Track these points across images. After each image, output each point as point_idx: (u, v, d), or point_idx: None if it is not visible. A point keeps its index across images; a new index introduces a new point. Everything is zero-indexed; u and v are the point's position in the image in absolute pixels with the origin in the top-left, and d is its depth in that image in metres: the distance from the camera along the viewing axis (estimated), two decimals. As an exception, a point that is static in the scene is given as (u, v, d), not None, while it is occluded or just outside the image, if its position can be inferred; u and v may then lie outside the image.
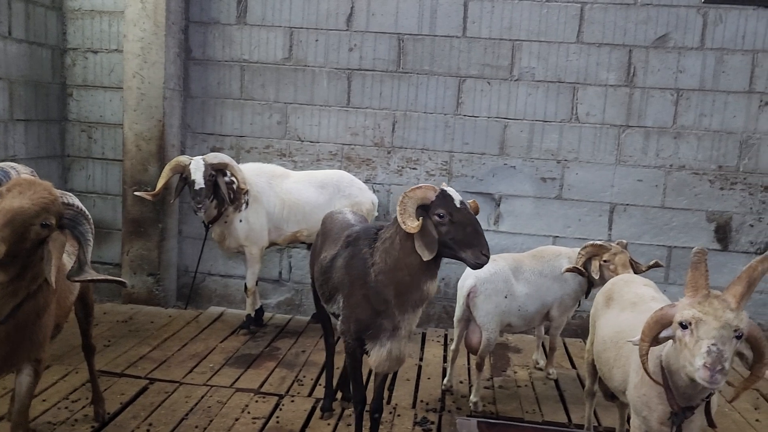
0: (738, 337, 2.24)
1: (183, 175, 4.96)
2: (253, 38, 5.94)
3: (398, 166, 5.91)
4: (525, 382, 4.77)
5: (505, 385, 4.68)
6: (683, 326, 2.30)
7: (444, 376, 4.64)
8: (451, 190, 3.01)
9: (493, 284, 4.20)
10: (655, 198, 5.68)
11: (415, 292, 3.05)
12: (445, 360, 5.03)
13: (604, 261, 4.32)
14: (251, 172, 5.25)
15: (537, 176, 5.79)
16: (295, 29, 5.87)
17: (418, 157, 5.88)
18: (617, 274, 4.03)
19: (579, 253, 4.44)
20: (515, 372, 4.95)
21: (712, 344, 2.17)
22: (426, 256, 2.91)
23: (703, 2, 5.43)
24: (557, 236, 5.81)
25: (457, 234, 2.91)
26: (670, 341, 2.46)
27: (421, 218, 2.89)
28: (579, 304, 4.77)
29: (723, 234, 5.63)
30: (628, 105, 5.63)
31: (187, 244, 6.18)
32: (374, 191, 5.75)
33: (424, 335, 5.70)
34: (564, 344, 5.58)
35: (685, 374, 2.33)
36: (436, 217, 2.93)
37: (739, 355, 2.36)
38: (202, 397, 4.11)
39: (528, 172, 5.80)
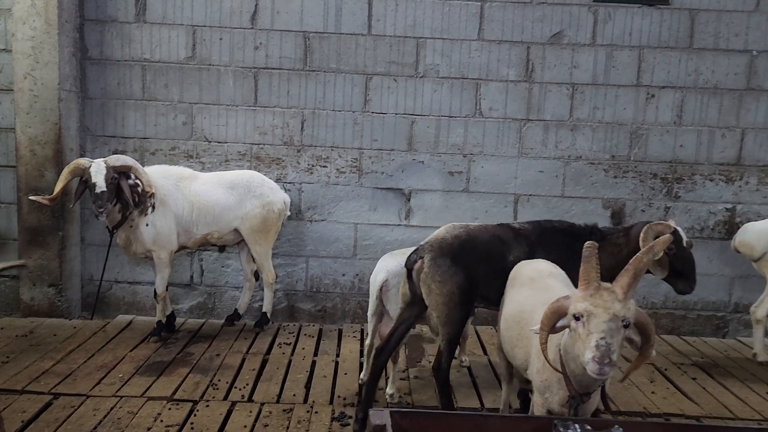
0: (626, 326, 2.40)
1: (83, 178, 4.75)
2: (154, 37, 5.76)
3: (308, 165, 5.91)
4: (440, 370, 4.89)
5: (421, 375, 4.80)
6: (576, 318, 2.44)
7: (361, 370, 4.69)
8: (681, 231, 4.07)
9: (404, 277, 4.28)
10: (555, 188, 5.98)
11: None
12: (361, 355, 5.09)
13: None
14: (157, 175, 5.09)
15: (445, 170, 5.95)
16: (198, 27, 5.74)
17: (328, 155, 5.90)
18: None
19: None
20: (430, 362, 5.07)
21: (601, 338, 2.30)
22: (661, 275, 4.02)
23: (594, 1, 5.75)
24: (467, 228, 5.98)
25: (680, 266, 4.05)
26: (567, 329, 2.60)
27: (649, 241, 3.71)
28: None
29: (618, 219, 5.99)
30: (528, 99, 5.88)
31: (90, 252, 5.93)
32: (285, 190, 5.72)
33: (340, 331, 5.74)
34: (476, 332, 5.77)
35: (580, 363, 2.48)
36: (667, 250, 3.87)
37: (629, 340, 2.52)
38: (112, 409, 3.96)
39: (436, 167, 5.95)
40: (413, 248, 4.68)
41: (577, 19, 5.79)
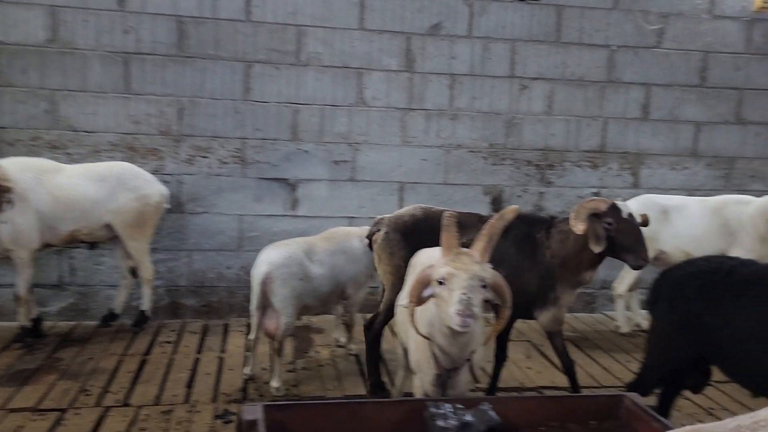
0: (484, 287, 2.56)
1: (-75, 174, 4.28)
2: (8, 17, 5.26)
3: (188, 155, 5.67)
4: (327, 360, 4.91)
5: (308, 366, 4.78)
6: (440, 283, 2.57)
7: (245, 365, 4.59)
8: (621, 204, 3.75)
9: (288, 268, 4.24)
10: (438, 175, 6.13)
11: (577, 277, 3.86)
12: (247, 349, 4.98)
13: None
14: (15, 168, 4.68)
15: (330, 159, 5.93)
16: (58, 8, 5.31)
17: (209, 145, 5.70)
18: None
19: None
20: (318, 352, 5.07)
21: (463, 293, 2.46)
22: (597, 250, 3.64)
23: (470, -6, 5.93)
24: (353, 217, 6.01)
25: (623, 240, 3.66)
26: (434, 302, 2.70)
27: (586, 223, 3.64)
28: (373, 280, 5.00)
29: (497, 205, 6.25)
30: (409, 89, 5.97)
31: (-59, 254, 5.36)
32: (164, 182, 5.46)
33: (226, 326, 5.60)
34: (364, 319, 5.82)
35: (446, 326, 2.59)
36: (606, 225, 3.65)
37: (489, 302, 2.67)
38: (-35, 426, 3.63)
39: (321, 156, 5.91)
40: (297, 239, 4.67)
41: (455, 11, 5.94)
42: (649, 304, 3.56)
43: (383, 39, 5.87)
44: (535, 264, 3.92)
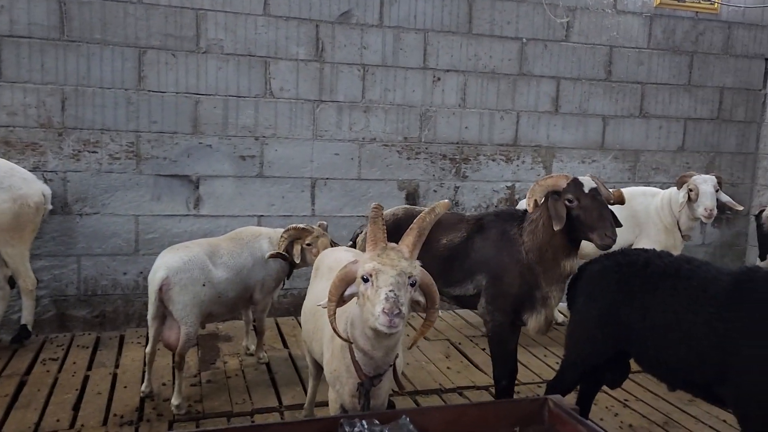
0: (412, 284, 2.33)
1: None
2: None
3: (74, 150, 5.12)
4: (236, 371, 4.55)
5: (214, 379, 4.41)
6: (365, 280, 2.32)
7: (143, 381, 4.16)
8: (584, 179, 3.44)
9: (188, 273, 3.86)
10: (351, 170, 5.89)
11: (557, 268, 3.52)
12: (145, 363, 4.54)
13: (307, 244, 4.29)
14: None
15: (236, 154, 5.55)
16: None
17: (98, 139, 5.17)
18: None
19: (281, 237, 4.36)
20: (225, 362, 4.71)
21: (390, 291, 2.22)
22: (556, 227, 3.35)
23: (380, -18, 5.71)
24: (262, 215, 5.67)
25: (585, 217, 3.36)
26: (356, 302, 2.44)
27: (537, 199, 3.44)
28: (283, 284, 4.70)
29: (413, 200, 6.09)
30: (320, 80, 5.69)
31: None
32: (46, 181, 4.92)
33: (122, 338, 5.12)
34: (276, 324, 5.51)
35: (369, 328, 2.32)
36: (566, 202, 3.39)
37: (416, 303, 2.43)
38: None
39: (226, 151, 5.52)
40: (200, 240, 4.29)
41: (365, -1, 5.72)
42: (567, 300, 3.49)
43: (290, 26, 5.55)
44: (514, 263, 3.62)
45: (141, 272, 5.35)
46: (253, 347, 4.82)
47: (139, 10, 5.13)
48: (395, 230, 3.85)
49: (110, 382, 4.27)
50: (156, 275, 3.84)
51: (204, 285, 3.92)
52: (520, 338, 5.40)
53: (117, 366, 4.56)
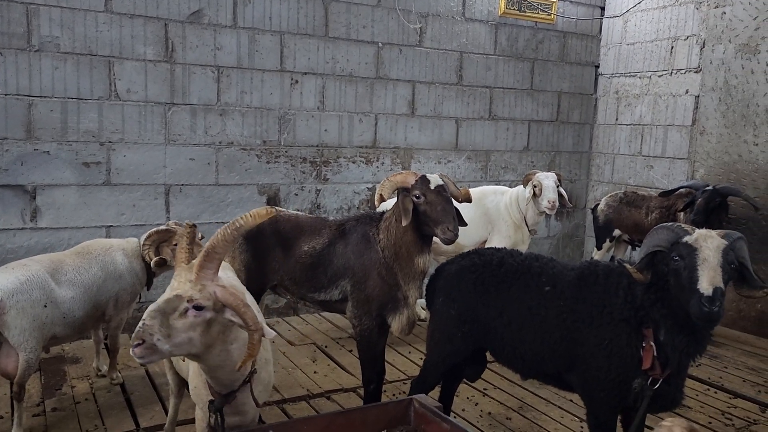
0: (198, 308, 2.10)
1: None
2: None
3: None
4: (86, 395, 4.22)
5: (61, 406, 4.05)
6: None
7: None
8: (431, 176, 3.52)
9: (26, 294, 3.51)
10: (209, 176, 5.68)
11: (412, 265, 3.60)
12: (-20, 397, 4.07)
13: (175, 245, 4.07)
14: None
15: (78, 161, 5.13)
16: None
17: None
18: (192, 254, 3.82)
19: (144, 244, 4.11)
20: (73, 387, 4.34)
21: (142, 321, 2.02)
22: (404, 222, 3.46)
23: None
24: (111, 225, 5.30)
25: (430, 212, 3.44)
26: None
27: (383, 194, 3.52)
28: (140, 298, 4.43)
29: (274, 204, 5.99)
30: (171, 82, 5.41)
31: None
32: None
33: (-53, 371, 4.52)
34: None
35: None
36: (414, 198, 3.47)
37: (231, 322, 2.20)
38: None
39: (66, 158, 5.08)
40: (39, 257, 3.91)
41: (217, -1, 5.53)
42: (426, 300, 3.61)
43: (136, 24, 5.22)
44: (374, 264, 3.66)
45: (-31, 295, 4.77)
46: (105, 367, 4.50)
47: (-44, 2, 4.58)
48: (256, 233, 3.87)
49: (-67, 422, 3.77)
50: (-13, 299, 3.44)
51: (46, 306, 3.59)
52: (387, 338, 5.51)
53: (-59, 403, 4.04)
